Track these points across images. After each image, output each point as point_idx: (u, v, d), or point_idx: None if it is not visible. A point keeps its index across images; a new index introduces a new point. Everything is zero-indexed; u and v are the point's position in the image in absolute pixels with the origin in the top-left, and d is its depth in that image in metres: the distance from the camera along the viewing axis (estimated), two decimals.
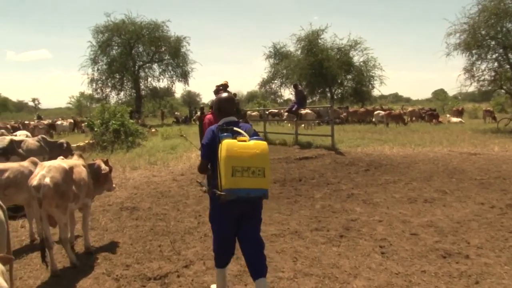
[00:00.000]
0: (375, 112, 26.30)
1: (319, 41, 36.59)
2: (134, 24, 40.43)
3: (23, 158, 6.54)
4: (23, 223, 6.14)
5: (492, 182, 7.91)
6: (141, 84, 43.16)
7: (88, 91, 44.66)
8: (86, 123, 19.80)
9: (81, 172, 4.77)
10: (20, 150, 7.52)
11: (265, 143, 3.23)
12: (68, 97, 76.75)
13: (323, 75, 35.67)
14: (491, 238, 4.92)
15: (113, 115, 15.97)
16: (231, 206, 3.23)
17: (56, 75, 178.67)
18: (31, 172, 4.68)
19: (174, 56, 42.51)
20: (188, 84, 44.50)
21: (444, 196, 7.07)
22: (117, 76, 41.86)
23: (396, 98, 76.28)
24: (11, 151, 7.43)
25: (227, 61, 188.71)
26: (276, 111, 29.24)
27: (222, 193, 3.07)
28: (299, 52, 37.90)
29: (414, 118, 27.68)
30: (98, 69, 41.06)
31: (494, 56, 21.92)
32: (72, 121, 32.61)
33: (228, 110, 3.54)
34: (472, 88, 23.37)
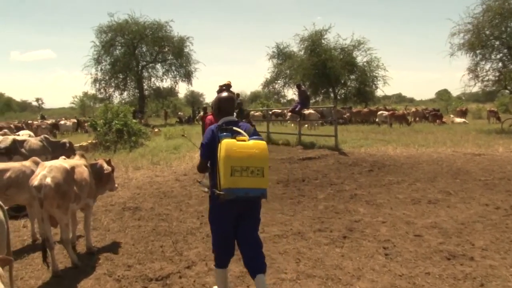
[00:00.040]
0: (379, 113, 26.22)
1: (323, 41, 36.64)
2: (137, 24, 40.53)
3: (25, 157, 6.53)
4: (25, 223, 6.13)
5: (496, 183, 7.85)
6: (144, 84, 43.29)
7: (92, 91, 44.96)
8: (89, 123, 19.83)
9: (82, 172, 4.75)
10: (23, 150, 7.51)
11: (264, 143, 3.23)
12: (71, 97, 76.97)
13: (327, 75, 35.69)
14: (496, 240, 4.87)
15: (116, 115, 15.99)
16: (230, 206, 3.23)
17: (60, 75, 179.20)
18: (33, 172, 4.66)
19: (177, 56, 42.59)
20: (191, 84, 44.67)
21: (448, 197, 7.01)
22: (121, 76, 42.02)
23: (399, 98, 76.22)
24: (14, 151, 7.43)
25: (230, 61, 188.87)
26: (279, 111, 29.20)
27: (221, 192, 3.09)
28: (302, 52, 37.99)
29: (417, 119, 27.56)
30: (101, 69, 41.27)
31: (498, 56, 21.83)
32: (75, 121, 32.69)
33: (227, 110, 3.54)
34: (476, 88, 23.33)
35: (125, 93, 42.99)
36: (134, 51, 41.53)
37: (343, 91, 39.35)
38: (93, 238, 5.28)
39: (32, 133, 11.95)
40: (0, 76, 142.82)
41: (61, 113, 58.76)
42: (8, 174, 4.97)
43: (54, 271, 4.25)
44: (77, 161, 4.92)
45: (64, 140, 8.65)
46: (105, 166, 5.30)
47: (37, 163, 4.98)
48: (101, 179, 5.23)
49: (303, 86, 17.44)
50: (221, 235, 3.44)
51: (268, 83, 46.86)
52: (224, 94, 3.70)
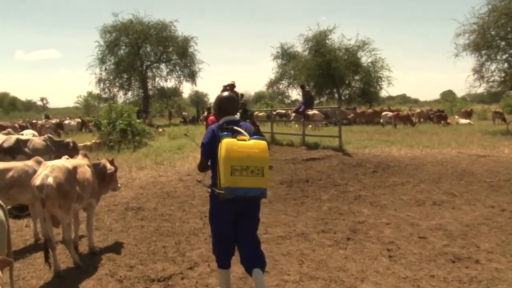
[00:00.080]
0: (383, 113, 26.14)
1: (327, 41, 36.54)
2: (141, 24, 40.65)
3: (29, 157, 6.52)
4: (27, 223, 6.12)
5: (502, 185, 7.77)
6: (148, 84, 43.40)
7: (96, 90, 45.13)
8: (93, 123, 19.88)
9: (85, 172, 4.73)
10: (26, 149, 7.51)
11: (264, 142, 3.23)
12: (76, 96, 77.25)
13: (331, 76, 35.60)
14: (502, 242, 4.81)
15: (120, 115, 16.00)
16: (229, 205, 3.24)
17: (65, 74, 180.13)
18: (35, 172, 4.64)
19: (181, 56, 42.68)
20: (195, 84, 44.73)
21: (453, 198, 6.95)
22: (125, 76, 42.13)
23: (404, 99, 75.92)
24: (17, 150, 7.43)
25: (234, 62, 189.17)
26: (284, 111, 29.19)
27: (220, 191, 3.09)
28: (306, 53, 37.89)
29: (422, 119, 27.44)
30: (105, 69, 41.46)
31: (504, 57, 21.61)
32: (79, 120, 32.83)
33: (228, 109, 3.54)
34: (481, 89, 23.10)
35: (129, 93, 43.21)
36: (139, 51, 41.65)
37: (347, 91, 39.23)
38: (96, 238, 5.28)
39: (36, 133, 11.98)
40: (5, 76, 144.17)
41: (65, 113, 59.06)
42: (10, 174, 4.97)
43: (56, 271, 4.23)
44: (79, 161, 4.90)
45: (68, 139, 8.65)
46: (108, 166, 5.28)
47: (39, 163, 4.97)
48: (104, 179, 5.21)
49: (307, 87, 17.42)
50: (221, 235, 3.44)
51: (272, 84, 46.90)
52: (225, 93, 3.70)
